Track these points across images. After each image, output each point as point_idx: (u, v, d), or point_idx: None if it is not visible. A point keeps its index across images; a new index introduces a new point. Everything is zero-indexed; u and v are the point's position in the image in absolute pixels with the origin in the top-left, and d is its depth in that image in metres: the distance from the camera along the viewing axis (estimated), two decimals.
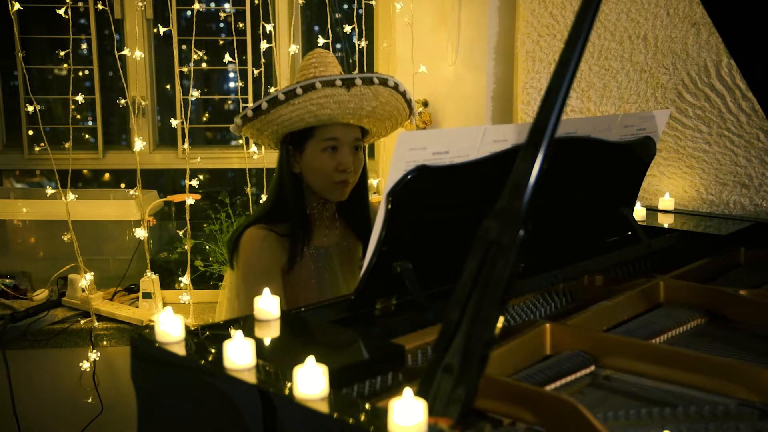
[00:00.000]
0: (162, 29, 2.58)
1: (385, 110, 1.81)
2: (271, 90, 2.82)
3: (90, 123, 3.26)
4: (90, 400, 2.58)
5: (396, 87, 1.80)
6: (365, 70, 2.78)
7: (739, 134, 2.48)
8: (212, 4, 3.34)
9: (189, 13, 2.81)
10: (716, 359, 1.12)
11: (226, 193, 3.10)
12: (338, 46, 3.04)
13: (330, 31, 2.73)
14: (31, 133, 2.97)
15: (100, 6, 2.61)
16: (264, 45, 2.72)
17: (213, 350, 1.03)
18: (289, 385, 0.90)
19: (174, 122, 2.79)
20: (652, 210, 2.33)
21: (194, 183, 2.60)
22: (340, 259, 1.91)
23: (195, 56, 2.65)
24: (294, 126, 1.78)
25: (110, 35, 2.58)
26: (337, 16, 3.01)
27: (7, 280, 2.74)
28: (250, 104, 2.81)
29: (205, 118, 3.52)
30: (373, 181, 2.93)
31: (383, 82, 1.77)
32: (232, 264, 1.86)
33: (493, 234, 0.92)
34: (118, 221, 2.80)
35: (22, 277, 2.81)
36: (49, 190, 2.57)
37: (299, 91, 1.72)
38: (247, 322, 1.18)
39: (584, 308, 1.37)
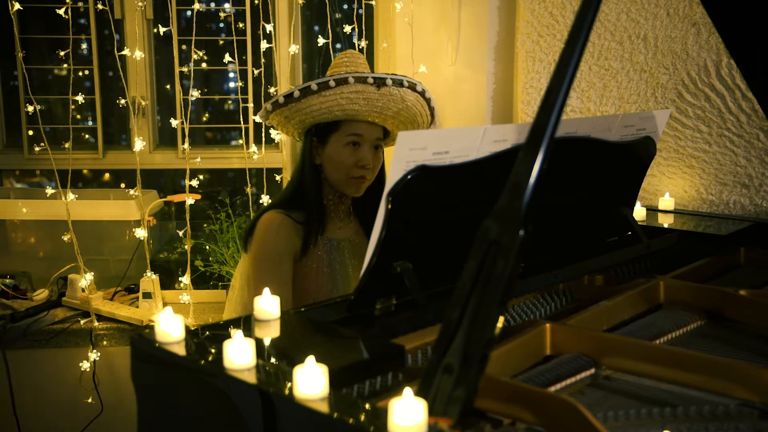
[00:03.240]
0: (162, 29, 2.58)
1: (409, 113, 1.87)
2: (271, 90, 2.82)
3: (90, 123, 3.26)
4: (90, 400, 2.58)
5: (423, 93, 1.87)
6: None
7: (739, 134, 2.48)
8: (212, 4, 3.34)
9: (189, 13, 2.81)
10: (716, 359, 1.12)
11: (226, 193, 3.10)
12: (338, 46, 3.04)
13: (330, 31, 2.74)
14: (31, 133, 2.97)
15: (100, 6, 2.61)
16: (264, 45, 2.72)
17: (213, 350, 1.04)
18: (289, 385, 0.90)
19: (174, 122, 2.79)
20: (652, 210, 2.33)
21: (194, 183, 2.60)
22: (352, 253, 1.97)
23: (195, 56, 2.65)
24: (322, 117, 1.85)
25: (110, 35, 2.58)
26: (337, 16, 3.01)
27: (7, 280, 2.74)
28: (251, 104, 2.83)
29: (205, 118, 3.52)
30: None
31: (412, 86, 1.84)
32: (246, 247, 1.90)
33: (493, 234, 0.92)
34: (118, 221, 2.80)
35: (22, 277, 2.80)
36: (49, 190, 2.57)
37: (332, 83, 1.79)
38: (247, 322, 1.19)
39: (584, 308, 1.37)
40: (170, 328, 1.06)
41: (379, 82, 1.80)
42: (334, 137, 1.88)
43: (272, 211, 1.90)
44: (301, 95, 1.81)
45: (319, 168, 1.92)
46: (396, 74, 1.84)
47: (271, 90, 2.80)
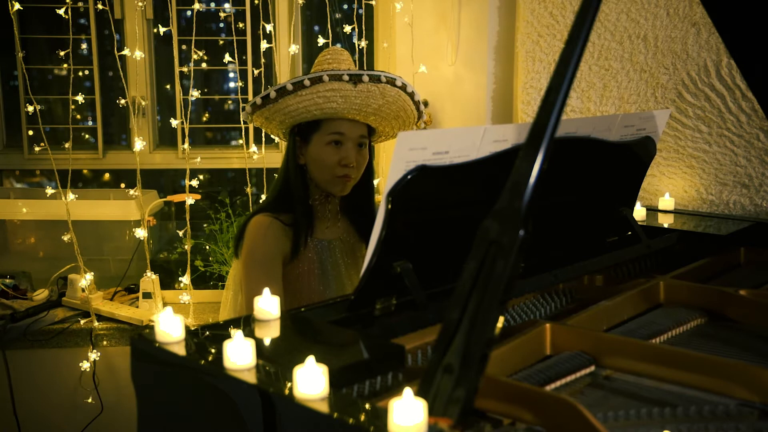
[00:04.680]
0: (162, 29, 2.58)
1: (391, 109, 1.83)
2: None
3: (90, 123, 3.26)
4: (90, 400, 2.58)
5: (404, 87, 1.82)
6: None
7: (739, 134, 2.48)
8: (212, 4, 3.34)
9: (189, 13, 2.81)
10: (716, 359, 1.12)
11: (226, 193, 3.10)
12: (338, 46, 3.04)
13: (330, 31, 2.73)
14: (31, 133, 2.97)
15: (100, 6, 2.61)
16: (264, 45, 2.72)
17: (213, 350, 1.03)
18: (289, 385, 0.90)
19: (174, 122, 2.79)
20: (652, 210, 2.33)
21: (194, 183, 2.60)
22: (343, 253, 1.94)
23: (195, 56, 2.65)
24: (300, 117, 1.82)
25: (110, 35, 2.58)
26: (337, 16, 3.01)
27: (7, 280, 2.74)
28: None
29: (205, 118, 3.52)
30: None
31: (391, 81, 1.79)
32: (237, 252, 1.89)
33: (493, 234, 0.92)
34: (118, 221, 2.80)
35: (22, 277, 2.80)
36: (49, 190, 2.57)
37: (307, 82, 1.76)
38: (247, 322, 1.19)
39: (584, 308, 1.37)
40: (170, 328, 1.06)
41: (356, 79, 1.75)
42: (316, 136, 1.85)
43: (260, 215, 1.87)
44: (278, 96, 1.78)
45: (304, 168, 1.89)
46: (374, 70, 1.80)
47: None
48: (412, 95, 1.84)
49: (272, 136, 2.01)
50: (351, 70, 1.78)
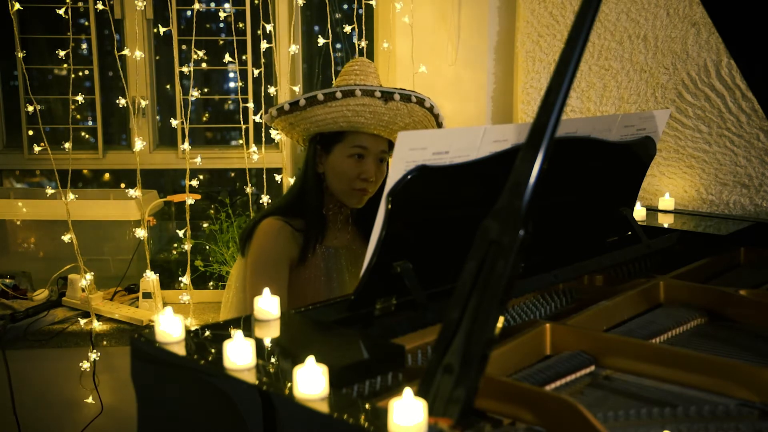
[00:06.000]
0: (162, 29, 2.58)
1: (416, 129, 1.85)
2: (271, 90, 2.82)
3: (90, 123, 3.26)
4: (90, 400, 2.58)
5: (431, 109, 1.84)
6: None
7: (739, 134, 2.48)
8: (212, 4, 3.34)
9: (189, 13, 2.81)
10: (716, 359, 1.12)
11: (226, 193, 3.10)
12: (338, 46, 3.04)
13: (330, 31, 2.73)
14: (31, 133, 2.97)
15: (100, 6, 2.61)
16: (264, 45, 2.72)
17: (213, 350, 1.04)
18: (289, 385, 0.90)
19: (174, 122, 2.79)
20: (652, 210, 2.33)
21: (194, 183, 2.60)
22: (349, 261, 1.95)
23: (195, 56, 2.65)
24: (327, 127, 1.83)
25: (110, 35, 2.58)
26: (337, 16, 3.01)
27: (7, 280, 2.74)
28: (251, 104, 2.84)
29: (205, 118, 3.52)
30: None
31: (420, 101, 1.81)
32: (244, 252, 1.89)
33: (493, 234, 0.92)
34: (118, 221, 2.80)
35: (22, 277, 2.80)
36: (49, 190, 2.57)
37: (338, 94, 1.77)
38: (247, 322, 1.19)
39: (584, 308, 1.37)
40: (170, 328, 1.06)
41: (387, 97, 1.77)
42: (338, 147, 1.86)
43: (272, 218, 1.88)
44: (307, 104, 1.79)
45: (321, 176, 1.90)
46: (405, 89, 1.81)
47: (271, 90, 2.80)
48: (437, 117, 1.87)
49: (290, 139, 2.01)
50: (383, 87, 1.79)
